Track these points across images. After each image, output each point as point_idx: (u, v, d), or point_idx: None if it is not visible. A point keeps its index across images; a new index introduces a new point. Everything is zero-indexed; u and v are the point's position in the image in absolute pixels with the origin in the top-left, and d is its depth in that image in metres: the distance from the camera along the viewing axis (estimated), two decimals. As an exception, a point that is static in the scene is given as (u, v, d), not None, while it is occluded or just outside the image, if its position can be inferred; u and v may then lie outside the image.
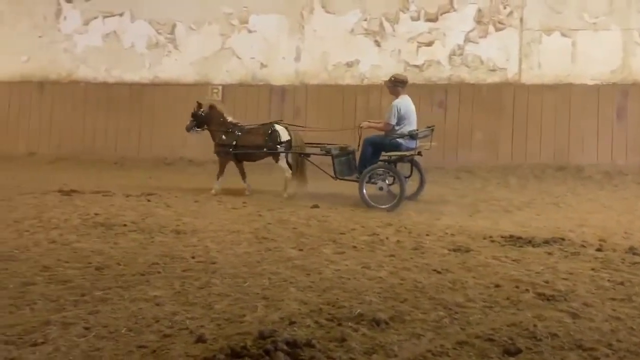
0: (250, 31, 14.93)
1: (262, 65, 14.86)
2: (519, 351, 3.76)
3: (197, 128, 10.80)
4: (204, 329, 4.10)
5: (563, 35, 13.46)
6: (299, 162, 10.18)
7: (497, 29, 13.76)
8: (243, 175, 10.59)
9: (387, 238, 7.07)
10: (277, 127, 10.39)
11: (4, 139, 15.60)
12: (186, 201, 9.55)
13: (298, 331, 4.03)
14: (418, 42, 14.08)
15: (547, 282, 5.30)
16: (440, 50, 14.00)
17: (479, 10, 13.82)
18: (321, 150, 9.97)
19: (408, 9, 14.13)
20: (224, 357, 3.57)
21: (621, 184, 12.00)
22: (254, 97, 14.59)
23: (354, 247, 6.64)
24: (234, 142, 10.42)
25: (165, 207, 8.95)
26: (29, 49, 15.89)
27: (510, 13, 13.69)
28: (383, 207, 9.13)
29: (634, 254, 6.36)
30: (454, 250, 6.47)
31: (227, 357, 3.58)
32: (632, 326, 4.25)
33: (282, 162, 10.26)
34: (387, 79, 10.03)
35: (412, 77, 13.62)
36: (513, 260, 6.08)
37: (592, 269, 5.77)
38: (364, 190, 9.28)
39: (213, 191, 10.28)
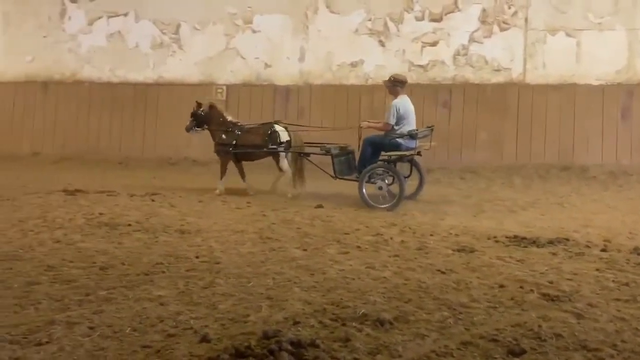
0: (254, 31, 14.93)
1: (266, 66, 14.87)
2: (523, 352, 3.76)
3: (197, 128, 10.83)
4: (208, 328, 4.10)
5: (568, 35, 13.42)
6: (298, 163, 10.20)
7: (502, 29, 13.73)
8: (242, 175, 10.59)
9: (391, 238, 7.06)
10: (277, 127, 10.39)
11: (8, 138, 15.64)
12: (190, 201, 9.56)
13: (302, 331, 4.03)
14: (422, 42, 14.07)
15: (551, 282, 5.29)
16: (444, 50, 13.98)
17: (484, 10, 13.79)
18: (321, 150, 9.99)
19: (412, 9, 14.11)
20: (228, 357, 3.57)
21: (626, 184, 11.97)
22: (258, 97, 14.59)
23: (358, 247, 6.64)
24: (234, 142, 10.43)
25: (170, 207, 8.96)
26: (34, 49, 15.94)
27: (515, 13, 13.66)
28: (382, 206, 9.14)
29: (639, 254, 6.34)
30: (458, 251, 6.47)
31: (231, 357, 3.58)
32: (636, 327, 4.24)
33: (283, 163, 10.26)
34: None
35: (417, 77, 13.70)
36: (517, 261, 6.07)
37: (597, 270, 5.75)
38: (364, 190, 9.29)
39: (217, 191, 10.28)
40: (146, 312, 4.40)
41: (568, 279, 5.40)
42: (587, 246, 6.71)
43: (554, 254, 6.38)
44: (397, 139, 9.48)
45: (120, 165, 14.58)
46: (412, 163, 10.05)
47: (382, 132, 9.71)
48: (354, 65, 14.40)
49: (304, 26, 14.66)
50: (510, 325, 4.21)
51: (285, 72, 14.75)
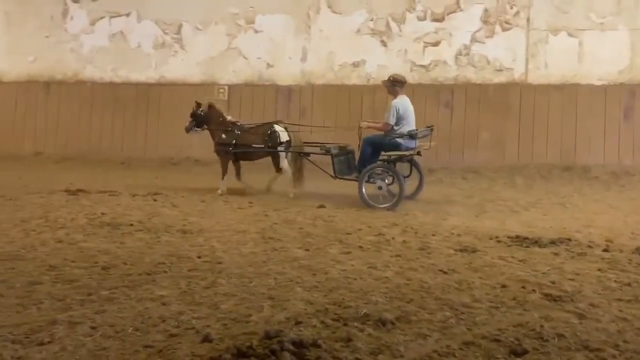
0: (256, 31, 14.93)
1: (269, 65, 14.87)
2: (525, 352, 3.75)
3: (197, 128, 10.84)
4: (210, 328, 4.10)
5: (570, 35, 13.41)
6: (298, 163, 10.21)
7: (504, 29, 13.72)
8: (238, 174, 10.58)
9: (393, 238, 7.06)
10: (277, 127, 10.40)
11: (10, 138, 15.66)
12: (192, 201, 9.57)
13: (304, 331, 4.03)
14: (424, 42, 14.06)
15: (553, 282, 5.28)
16: (446, 50, 13.97)
17: (486, 10, 13.78)
18: (321, 149, 10.01)
19: (414, 9, 14.10)
20: (230, 357, 3.57)
21: (628, 184, 11.95)
22: (260, 97, 14.59)
23: (360, 247, 6.64)
24: (234, 141, 10.43)
25: (172, 207, 8.96)
26: (36, 49, 15.95)
27: (517, 13, 13.65)
28: (382, 206, 9.14)
29: (641, 254, 6.34)
30: (460, 251, 6.46)
31: (233, 357, 3.58)
32: (639, 327, 4.24)
33: (284, 163, 10.26)
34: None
35: (419, 77, 13.69)
36: (519, 261, 6.07)
37: (599, 270, 5.74)
38: (364, 190, 9.30)
39: (219, 191, 10.29)
40: (148, 312, 4.40)
41: (570, 279, 5.40)
42: (589, 246, 6.71)
43: (556, 254, 6.38)
44: (397, 139, 9.49)
45: (123, 165, 14.59)
46: (412, 163, 10.06)
47: (381, 132, 9.71)
48: (355, 65, 14.40)
49: (306, 26, 14.66)
50: (512, 325, 4.21)
51: (287, 72, 14.75)
